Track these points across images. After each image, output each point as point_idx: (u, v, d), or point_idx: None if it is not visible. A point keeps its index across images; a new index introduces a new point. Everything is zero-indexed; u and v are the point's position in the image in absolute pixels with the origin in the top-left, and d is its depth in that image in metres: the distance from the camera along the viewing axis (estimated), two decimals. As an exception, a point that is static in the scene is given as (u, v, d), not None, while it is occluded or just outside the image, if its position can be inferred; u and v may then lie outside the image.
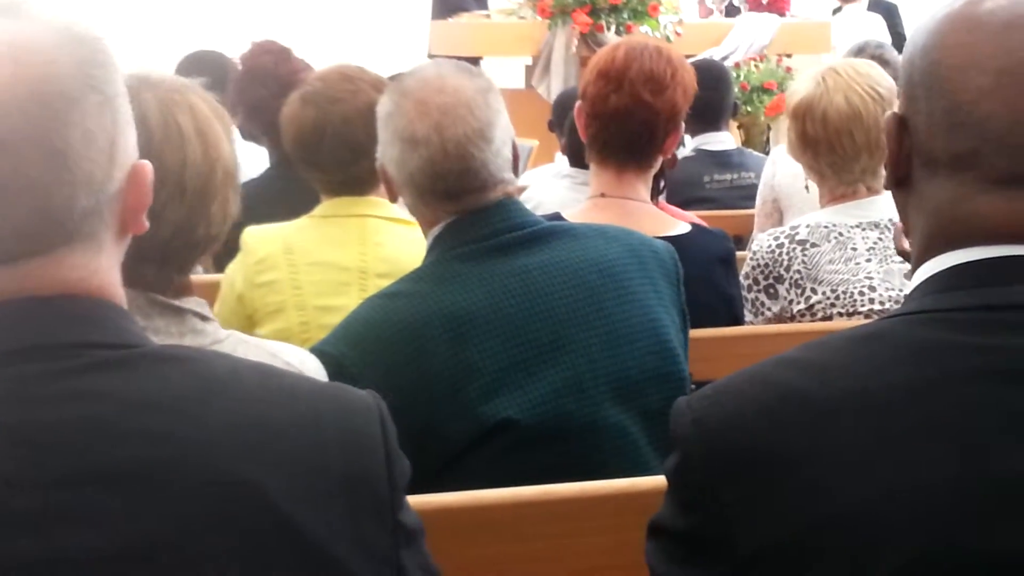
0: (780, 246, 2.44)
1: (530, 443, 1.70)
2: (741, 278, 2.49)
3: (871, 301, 2.37)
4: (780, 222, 3.24)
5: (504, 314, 1.73)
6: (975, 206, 1.04)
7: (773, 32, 6.78)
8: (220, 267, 2.45)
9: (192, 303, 1.48)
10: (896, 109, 1.13)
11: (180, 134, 1.44)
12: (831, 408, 0.98)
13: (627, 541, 1.24)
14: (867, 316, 2.35)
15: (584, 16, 5.94)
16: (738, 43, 6.66)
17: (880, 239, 2.42)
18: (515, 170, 1.86)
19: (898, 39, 7.16)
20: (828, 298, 2.39)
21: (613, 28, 6.00)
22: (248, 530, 0.94)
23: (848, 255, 2.41)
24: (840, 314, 2.38)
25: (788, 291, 2.43)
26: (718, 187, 3.78)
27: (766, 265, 2.45)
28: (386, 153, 1.82)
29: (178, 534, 0.92)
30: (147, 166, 1.05)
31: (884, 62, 3.14)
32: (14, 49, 0.96)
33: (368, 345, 1.71)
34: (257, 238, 2.24)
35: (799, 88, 2.49)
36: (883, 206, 2.43)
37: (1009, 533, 0.93)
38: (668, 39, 5.97)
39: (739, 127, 6.20)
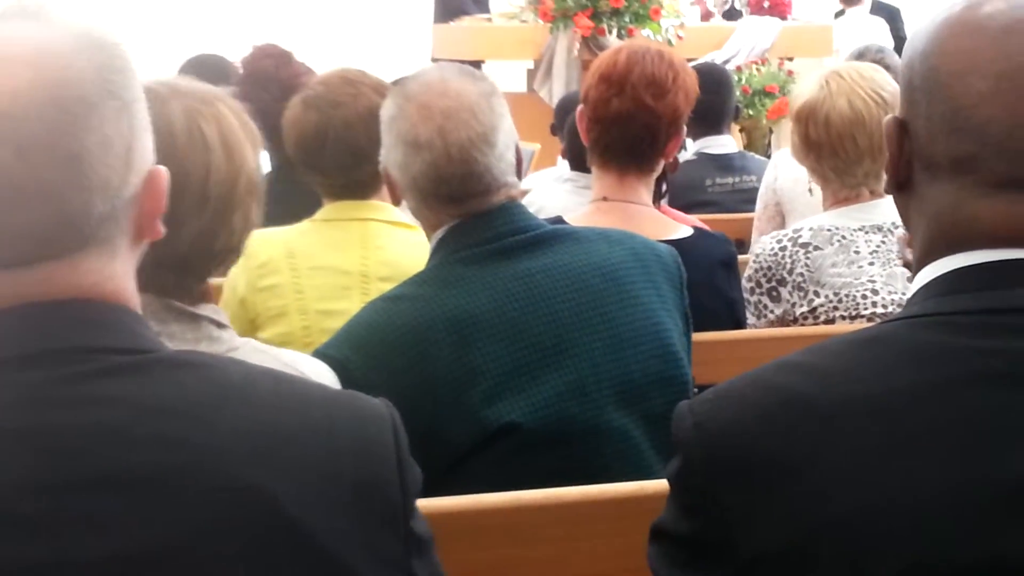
0: (783, 249, 2.44)
1: (533, 447, 1.70)
2: (744, 281, 2.49)
3: (874, 304, 2.37)
4: (782, 226, 3.24)
5: (507, 318, 1.73)
6: (975, 210, 1.04)
7: (775, 35, 6.79)
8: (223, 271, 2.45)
9: (208, 310, 1.48)
10: (897, 113, 1.14)
11: (205, 143, 1.44)
12: (832, 413, 0.98)
13: (631, 545, 1.24)
14: (869, 320, 2.35)
15: (586, 20, 5.94)
16: (740, 46, 6.66)
17: (883, 243, 2.42)
18: (518, 174, 1.86)
19: (900, 43, 7.16)
20: (831, 301, 2.39)
21: (615, 32, 6.00)
22: (259, 536, 0.94)
23: (851, 258, 2.41)
24: (843, 317, 2.38)
25: (791, 294, 2.43)
26: (720, 191, 3.78)
27: (769, 268, 2.45)
28: (389, 156, 1.82)
29: (189, 539, 0.92)
30: (163, 172, 1.05)
31: (885, 67, 3.13)
32: (34, 53, 0.96)
33: (371, 349, 1.71)
34: (259, 242, 2.23)
35: (803, 91, 2.49)
36: (886, 210, 2.43)
37: (1011, 537, 0.93)
38: (670, 43, 5.97)
39: (741, 131, 6.20)
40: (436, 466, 1.65)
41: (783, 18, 7.22)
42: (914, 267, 1.11)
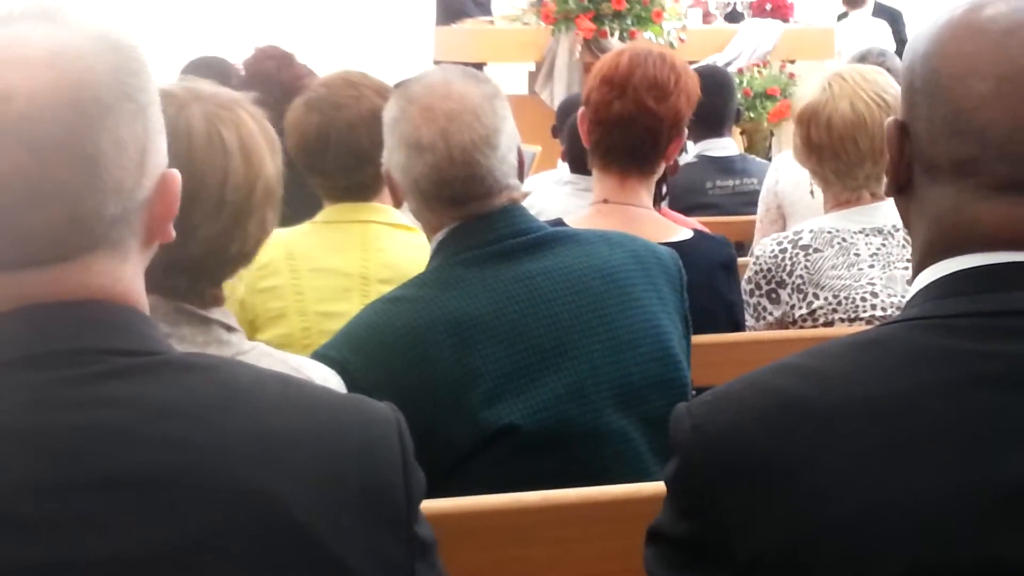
0: (783, 251, 2.44)
1: (532, 449, 1.70)
2: (743, 282, 2.49)
3: (873, 307, 2.37)
4: (783, 229, 3.24)
5: (507, 320, 1.73)
6: (976, 213, 1.04)
7: (776, 38, 6.79)
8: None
9: (219, 313, 1.48)
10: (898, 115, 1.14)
11: (223, 148, 1.44)
12: (831, 415, 0.98)
13: (629, 547, 1.24)
14: (869, 322, 2.35)
15: (588, 22, 5.94)
16: (741, 49, 6.66)
17: (883, 245, 2.42)
18: (520, 176, 1.86)
19: (902, 45, 7.12)
20: (830, 303, 2.39)
21: (617, 34, 6.00)
22: (263, 537, 0.94)
23: (851, 261, 2.41)
24: (842, 320, 2.38)
25: (790, 296, 2.43)
26: (720, 193, 3.78)
27: (769, 270, 2.45)
28: (391, 158, 1.82)
29: (192, 540, 0.92)
30: (176, 175, 1.05)
31: (887, 70, 3.13)
32: (51, 55, 0.96)
33: (371, 350, 1.71)
34: (260, 243, 2.24)
35: (805, 93, 2.49)
36: (887, 212, 2.43)
37: (1010, 540, 0.93)
38: (672, 45, 5.98)
39: (742, 133, 6.20)
40: (436, 468, 1.64)
41: (785, 20, 7.21)
42: (914, 269, 1.11)
